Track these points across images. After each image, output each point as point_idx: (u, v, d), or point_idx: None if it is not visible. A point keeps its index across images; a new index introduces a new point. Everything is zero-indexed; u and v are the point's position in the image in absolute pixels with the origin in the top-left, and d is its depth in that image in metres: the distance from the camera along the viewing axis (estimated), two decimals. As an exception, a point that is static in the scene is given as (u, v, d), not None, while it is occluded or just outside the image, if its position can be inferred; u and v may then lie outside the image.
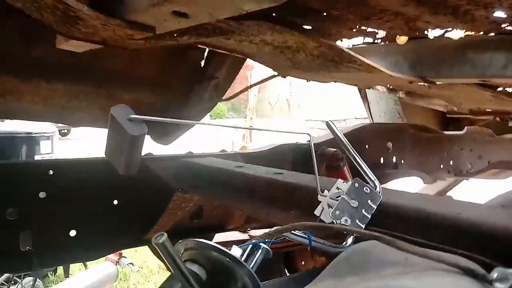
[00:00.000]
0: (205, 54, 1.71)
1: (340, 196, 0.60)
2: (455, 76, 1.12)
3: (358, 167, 0.68)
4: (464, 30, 0.97)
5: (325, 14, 0.92)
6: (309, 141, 0.73)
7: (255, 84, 2.19)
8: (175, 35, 0.92)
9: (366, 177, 0.66)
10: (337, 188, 0.62)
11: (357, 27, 1.01)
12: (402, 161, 1.99)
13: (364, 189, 0.62)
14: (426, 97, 2.05)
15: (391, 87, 1.94)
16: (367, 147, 1.82)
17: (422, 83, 1.23)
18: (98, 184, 1.13)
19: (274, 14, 0.94)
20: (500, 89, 1.54)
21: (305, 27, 1.07)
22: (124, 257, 3.70)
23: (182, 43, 1.10)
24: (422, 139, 2.11)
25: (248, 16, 0.86)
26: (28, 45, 1.19)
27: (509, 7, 0.73)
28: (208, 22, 0.74)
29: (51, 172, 1.07)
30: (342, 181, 0.64)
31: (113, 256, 3.55)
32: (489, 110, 2.40)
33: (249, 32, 0.97)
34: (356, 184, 0.62)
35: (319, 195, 0.61)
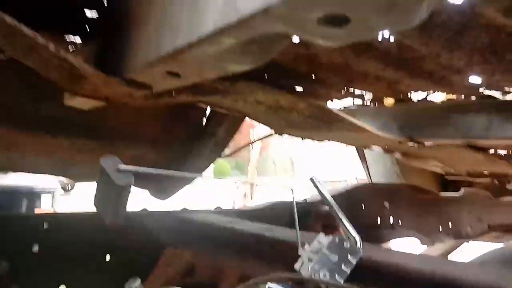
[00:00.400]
0: (207, 112, 1.79)
1: (320, 250, 0.61)
2: (440, 137, 1.16)
3: (339, 222, 0.69)
4: (445, 93, 1.02)
5: (313, 77, 0.98)
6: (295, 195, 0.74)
7: (253, 142, 2.24)
8: (173, 93, 0.98)
9: (347, 233, 0.67)
10: (318, 242, 0.63)
11: (344, 89, 1.07)
12: (400, 222, 1.98)
13: (345, 244, 0.63)
14: (421, 158, 2.09)
15: (386, 147, 1.99)
16: (363, 207, 1.83)
17: (411, 144, 1.27)
18: (92, 239, 1.13)
19: (266, 76, 1.01)
20: (492, 151, 1.58)
21: (297, 88, 1.13)
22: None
23: (181, 101, 1.16)
24: (420, 200, 2.11)
25: (240, 77, 0.93)
26: (36, 101, 1.26)
27: (482, 73, 0.78)
28: (202, 82, 0.79)
29: (45, 225, 1.07)
30: (324, 235, 0.65)
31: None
32: (486, 172, 2.43)
33: (242, 92, 1.03)
34: (337, 239, 0.64)
35: (299, 249, 0.63)
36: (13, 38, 0.64)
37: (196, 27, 0.44)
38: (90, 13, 0.79)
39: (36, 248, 1.04)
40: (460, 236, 2.27)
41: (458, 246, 2.88)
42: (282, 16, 0.34)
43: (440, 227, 2.19)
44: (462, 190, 2.36)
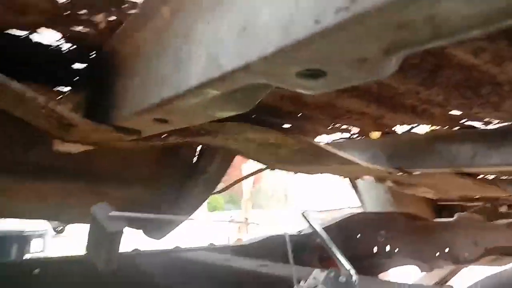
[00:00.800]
0: (197, 150, 1.80)
1: (316, 286, 0.61)
2: (428, 167, 1.18)
3: (333, 256, 0.70)
4: (429, 125, 1.05)
5: (299, 114, 1.01)
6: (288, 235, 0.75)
7: (245, 177, 2.25)
8: (162, 136, 1.00)
9: (341, 267, 0.67)
10: (314, 278, 0.64)
11: (331, 124, 1.09)
12: (396, 250, 1.97)
13: (340, 278, 0.63)
14: (412, 186, 2.10)
15: (377, 177, 2.00)
16: (358, 236, 1.82)
17: (400, 174, 1.29)
18: (84, 282, 1.11)
19: (253, 116, 1.03)
20: (480, 176, 1.60)
21: (284, 125, 1.16)
22: None
23: (171, 142, 1.18)
24: (415, 227, 2.11)
25: (228, 118, 0.95)
26: (25, 148, 1.26)
27: (460, 106, 0.81)
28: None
29: (36, 271, 1.06)
30: (320, 270, 0.65)
31: None
32: (477, 196, 2.44)
33: (232, 132, 1.05)
34: (332, 274, 0.64)
35: (295, 286, 0.63)
36: (3, 92, 0.66)
37: (181, 80, 0.46)
38: (79, 65, 0.82)
39: (25, 296, 1.02)
40: (458, 261, 2.26)
41: (457, 271, 2.86)
42: (262, 71, 0.36)
43: (437, 253, 2.18)
44: (456, 215, 2.37)
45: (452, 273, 2.86)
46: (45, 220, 4.14)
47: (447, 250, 2.22)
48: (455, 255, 2.26)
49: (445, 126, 1.06)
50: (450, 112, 0.88)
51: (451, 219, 2.33)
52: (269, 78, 0.38)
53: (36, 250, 4.39)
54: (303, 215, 0.75)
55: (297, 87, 0.38)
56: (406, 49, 0.27)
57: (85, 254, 1.16)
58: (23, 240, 4.16)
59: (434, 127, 1.09)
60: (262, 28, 0.34)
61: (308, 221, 0.74)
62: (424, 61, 0.61)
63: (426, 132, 1.13)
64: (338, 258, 0.70)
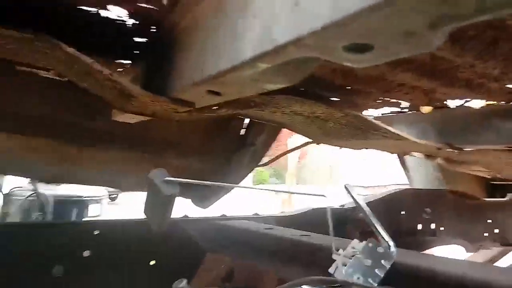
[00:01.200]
0: (245, 123, 1.84)
1: (354, 255, 0.64)
2: (481, 143, 1.14)
3: (373, 228, 0.72)
4: (484, 100, 1.01)
5: (349, 88, 1.01)
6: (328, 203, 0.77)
7: (291, 151, 2.27)
8: (214, 108, 1.04)
9: (381, 238, 0.69)
10: (353, 247, 0.66)
11: (381, 98, 1.08)
12: (442, 228, 1.94)
13: (378, 249, 0.66)
14: (465, 163, 2.03)
15: (427, 154, 1.96)
16: (403, 213, 1.81)
17: (450, 150, 1.26)
18: (138, 245, 1.20)
19: (302, 89, 1.04)
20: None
21: (333, 99, 1.16)
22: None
23: (221, 114, 1.22)
24: (463, 206, 2.05)
25: (277, 91, 0.97)
26: (88, 118, 1.35)
27: (518, 80, 0.78)
28: (241, 97, 0.84)
29: (96, 232, 1.15)
30: (358, 240, 0.67)
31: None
32: (535, 177, 2.32)
33: (280, 105, 1.07)
34: (370, 244, 0.66)
35: (333, 254, 0.65)
36: (73, 65, 0.72)
37: (236, 53, 0.49)
38: (140, 40, 0.87)
39: (87, 253, 1.11)
40: (508, 243, 2.19)
41: (506, 253, 2.76)
42: (312, 45, 0.38)
43: (486, 233, 2.12)
44: (509, 195, 2.27)
45: (500, 255, 2.77)
46: (102, 187, 4.41)
47: (496, 231, 2.15)
48: (504, 237, 2.19)
49: (501, 101, 1.01)
50: (507, 86, 0.85)
51: (503, 199, 2.25)
52: (318, 51, 0.40)
53: (93, 214, 4.72)
54: (346, 187, 0.77)
55: (345, 61, 0.40)
56: (452, 23, 0.28)
57: (140, 218, 1.26)
58: (82, 204, 4.47)
59: (489, 102, 1.05)
60: (313, 3, 0.36)
61: (350, 193, 0.76)
62: (483, 33, 0.60)
63: (481, 107, 1.09)
64: (377, 230, 0.72)
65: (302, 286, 0.55)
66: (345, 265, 0.62)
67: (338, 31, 0.34)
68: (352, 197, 0.74)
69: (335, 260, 0.68)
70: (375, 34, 0.33)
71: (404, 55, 0.36)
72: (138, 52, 0.89)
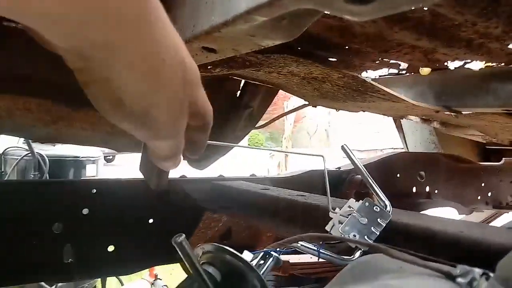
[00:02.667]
0: (241, 84, 1.82)
1: (350, 214, 0.64)
2: (479, 106, 1.14)
3: (369, 187, 0.72)
4: (484, 62, 1.00)
5: (347, 47, 0.99)
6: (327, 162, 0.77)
7: (287, 113, 2.26)
8: (208, 67, 1.02)
9: (377, 197, 0.70)
10: (349, 206, 0.67)
11: (379, 59, 1.06)
12: (436, 191, 1.97)
13: (374, 208, 0.66)
14: (461, 127, 2.04)
15: (423, 117, 1.95)
16: (398, 175, 1.83)
17: (448, 113, 1.25)
18: (136, 203, 1.21)
19: (299, 48, 1.02)
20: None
21: (330, 59, 1.14)
22: (159, 279, 3.78)
23: (216, 74, 1.20)
24: (457, 170, 2.08)
25: (274, 50, 0.95)
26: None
27: (521, 40, 0.76)
28: (236, 56, 0.82)
29: (94, 190, 1.16)
30: (354, 200, 0.68)
31: (148, 278, 3.63)
32: (530, 141, 2.33)
33: (276, 64, 1.05)
34: (367, 203, 0.67)
35: (330, 212, 0.66)
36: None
37: (230, 7, 0.47)
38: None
39: (86, 211, 1.13)
40: (500, 206, 2.23)
41: (497, 216, 2.83)
42: (310, -5, 0.36)
43: (479, 196, 2.16)
44: (503, 160, 2.30)
45: (492, 218, 2.84)
46: (98, 148, 4.42)
47: (489, 194, 2.19)
48: (498, 200, 2.23)
49: (501, 63, 1.00)
50: (508, 47, 0.83)
51: (498, 163, 2.27)
52: (317, 2, 0.38)
53: (90, 174, 4.75)
54: (343, 147, 0.77)
55: (345, 13, 0.38)
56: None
57: (138, 178, 1.26)
58: (79, 164, 4.49)
59: (489, 64, 1.04)
60: (313, -51, 0.34)
61: (348, 153, 0.75)
62: (485, -12, 0.57)
63: (480, 69, 1.07)
64: (374, 188, 0.73)
65: (300, 242, 0.56)
66: (341, 223, 0.63)
67: (338, -21, 0.32)
68: (349, 156, 0.74)
69: (331, 219, 0.68)
70: (378, -17, 0.31)
71: (407, 8, 0.35)
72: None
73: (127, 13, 0.30)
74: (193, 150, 0.51)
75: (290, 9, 0.41)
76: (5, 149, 3.46)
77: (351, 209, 0.67)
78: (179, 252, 0.47)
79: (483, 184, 2.16)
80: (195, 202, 1.25)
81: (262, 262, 0.56)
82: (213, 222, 1.26)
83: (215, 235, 1.31)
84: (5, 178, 3.01)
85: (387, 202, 0.69)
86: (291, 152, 0.85)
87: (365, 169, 0.72)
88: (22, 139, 3.37)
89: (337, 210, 0.66)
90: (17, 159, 3.27)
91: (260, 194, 1.05)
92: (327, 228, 0.65)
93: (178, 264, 1.32)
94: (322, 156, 0.71)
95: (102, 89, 0.37)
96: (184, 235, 0.46)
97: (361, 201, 0.67)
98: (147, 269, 3.56)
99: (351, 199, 0.69)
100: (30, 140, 2.91)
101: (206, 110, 0.46)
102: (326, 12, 0.40)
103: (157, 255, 1.27)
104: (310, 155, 0.78)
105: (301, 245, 0.58)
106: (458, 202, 2.07)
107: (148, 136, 0.42)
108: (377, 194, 0.71)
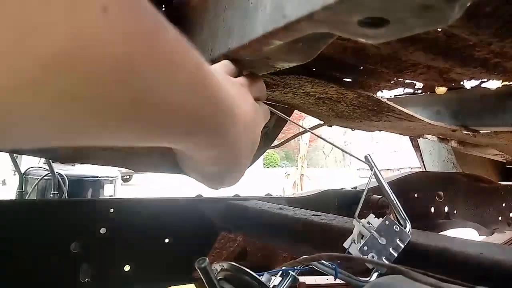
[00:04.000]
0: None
1: (370, 232, 0.64)
2: (497, 125, 1.12)
3: (390, 203, 0.71)
4: (500, 81, 0.99)
5: (361, 68, 0.99)
6: (368, 160, 0.74)
7: (302, 133, 2.27)
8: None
9: (397, 215, 0.69)
10: (368, 222, 0.66)
11: (394, 79, 1.07)
12: (455, 212, 1.93)
13: (394, 227, 0.65)
14: (479, 146, 2.01)
15: (440, 136, 1.93)
16: (416, 195, 1.80)
17: (465, 132, 1.24)
18: (152, 223, 1.22)
19: (314, 69, 1.03)
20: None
21: (345, 79, 1.15)
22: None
23: (232, 95, 1.22)
24: (477, 189, 2.04)
25: (289, 71, 0.96)
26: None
27: (537, 59, 0.76)
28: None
29: (112, 210, 1.17)
30: (374, 216, 0.67)
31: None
32: (552, 161, 2.28)
33: (291, 85, 1.07)
34: (387, 222, 0.66)
35: (354, 220, 0.65)
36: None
37: (247, 31, 0.49)
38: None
39: (103, 230, 1.14)
40: (522, 227, 2.17)
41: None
42: (325, 20, 0.38)
43: (500, 217, 2.10)
44: (525, 180, 2.24)
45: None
46: (115, 167, 4.48)
47: (511, 214, 2.13)
48: (519, 221, 2.17)
49: (518, 82, 0.99)
50: (524, 66, 0.83)
51: (519, 183, 2.22)
52: (332, 27, 0.39)
53: (108, 194, 4.81)
54: (366, 157, 0.75)
55: (359, 36, 0.39)
56: (469, -4, 0.27)
57: (155, 197, 1.27)
58: (97, 184, 4.56)
59: (506, 83, 1.03)
60: (326, -24, 0.35)
61: (370, 163, 0.73)
62: (499, 9, 0.58)
63: (497, 88, 1.07)
64: (395, 206, 0.72)
65: (320, 261, 0.55)
66: (360, 242, 0.63)
67: (352, 5, 0.33)
68: (372, 166, 0.72)
69: (345, 241, 0.68)
70: (391, 8, 0.32)
71: (420, 30, 0.35)
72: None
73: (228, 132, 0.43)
74: None
75: (305, 33, 0.42)
76: (27, 169, 3.55)
77: (370, 225, 0.66)
78: (202, 277, 0.47)
79: (504, 204, 2.11)
80: (210, 222, 1.25)
81: (279, 280, 0.56)
82: (228, 242, 1.26)
83: (231, 255, 1.31)
84: (26, 197, 3.07)
85: (408, 222, 0.68)
86: (338, 147, 0.84)
87: (387, 184, 0.71)
88: (43, 159, 3.46)
89: (362, 220, 0.65)
90: (38, 178, 3.34)
91: (275, 214, 1.05)
92: (345, 245, 0.64)
93: (193, 284, 1.32)
94: (370, 157, 0.70)
95: (184, 158, 0.46)
96: (207, 260, 0.46)
97: (381, 219, 0.66)
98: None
99: (371, 214, 0.68)
100: (50, 160, 2.98)
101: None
102: (341, 35, 0.41)
103: (173, 275, 1.27)
104: (353, 156, 0.77)
105: (319, 263, 0.57)
106: (478, 222, 2.02)
107: (219, 185, 0.54)
108: (398, 212, 0.70)
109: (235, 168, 0.49)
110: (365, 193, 0.75)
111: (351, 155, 0.81)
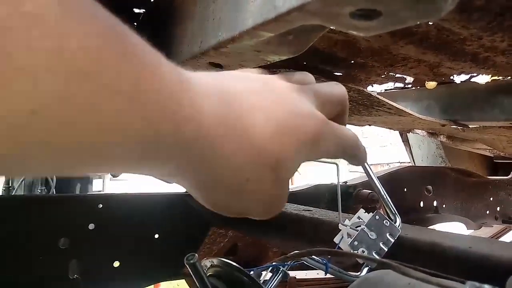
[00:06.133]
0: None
1: (360, 226, 0.64)
2: (486, 119, 1.13)
3: (380, 198, 0.71)
4: (490, 75, 1.00)
5: (352, 61, 0.99)
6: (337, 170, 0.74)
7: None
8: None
9: (387, 210, 0.69)
10: (358, 217, 0.66)
11: (385, 73, 1.06)
12: (444, 206, 1.95)
13: (384, 222, 0.65)
14: (468, 141, 2.03)
15: (430, 131, 1.95)
16: (405, 190, 1.82)
17: (455, 127, 1.25)
18: (142, 218, 1.22)
19: (305, 63, 1.03)
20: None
21: (336, 73, 1.14)
22: (164, 295, 3.74)
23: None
24: (465, 184, 2.06)
25: (280, 65, 0.96)
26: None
27: (526, 54, 0.76)
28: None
29: (100, 205, 1.16)
30: (363, 211, 0.67)
31: (154, 293, 3.61)
32: (539, 155, 2.31)
33: (282, 79, 1.06)
34: (377, 217, 0.66)
35: (340, 224, 0.65)
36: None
37: (237, 23, 0.48)
38: (138, 10, 0.85)
39: (92, 226, 1.14)
40: (509, 221, 2.20)
41: (507, 231, 2.78)
42: (316, 11, 0.37)
43: (488, 211, 2.13)
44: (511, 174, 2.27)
45: (501, 233, 2.80)
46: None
47: (498, 208, 2.17)
48: (506, 214, 2.20)
49: (507, 76, 1.00)
50: (514, 61, 0.83)
51: (506, 177, 2.25)
52: (323, 18, 0.39)
53: (96, 189, 4.76)
54: None
55: (351, 28, 0.38)
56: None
57: (144, 192, 1.26)
58: (85, 179, 4.51)
59: (495, 77, 1.03)
60: (318, -33, 0.34)
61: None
62: (490, 3, 0.58)
63: (486, 83, 1.07)
64: (385, 201, 0.72)
65: (311, 256, 0.55)
66: (350, 236, 0.62)
67: (344, -4, 0.33)
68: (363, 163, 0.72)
69: (335, 236, 0.68)
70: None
71: (413, 23, 0.35)
72: (136, 24, 0.88)
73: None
74: None
75: (296, 25, 0.42)
76: (13, 164, 3.49)
77: (361, 220, 0.66)
78: (192, 273, 0.46)
79: (491, 199, 2.13)
80: (201, 217, 1.25)
81: (270, 275, 0.56)
82: (219, 238, 1.26)
83: (221, 250, 1.30)
84: (13, 193, 3.02)
85: (398, 216, 0.68)
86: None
87: (377, 179, 0.71)
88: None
89: (346, 221, 0.65)
90: (25, 174, 3.29)
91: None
92: (336, 240, 0.64)
93: (183, 280, 1.31)
94: (336, 164, 0.71)
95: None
96: (197, 256, 0.46)
97: (371, 214, 0.66)
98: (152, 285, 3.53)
99: (361, 209, 0.68)
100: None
101: None
102: (332, 27, 0.40)
103: (163, 271, 1.27)
104: (325, 162, 0.76)
105: (309, 258, 0.57)
106: (467, 216, 2.05)
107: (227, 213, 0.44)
108: (388, 206, 0.70)
109: (241, 196, 0.36)
110: (338, 192, 0.74)
111: (324, 162, 0.81)
